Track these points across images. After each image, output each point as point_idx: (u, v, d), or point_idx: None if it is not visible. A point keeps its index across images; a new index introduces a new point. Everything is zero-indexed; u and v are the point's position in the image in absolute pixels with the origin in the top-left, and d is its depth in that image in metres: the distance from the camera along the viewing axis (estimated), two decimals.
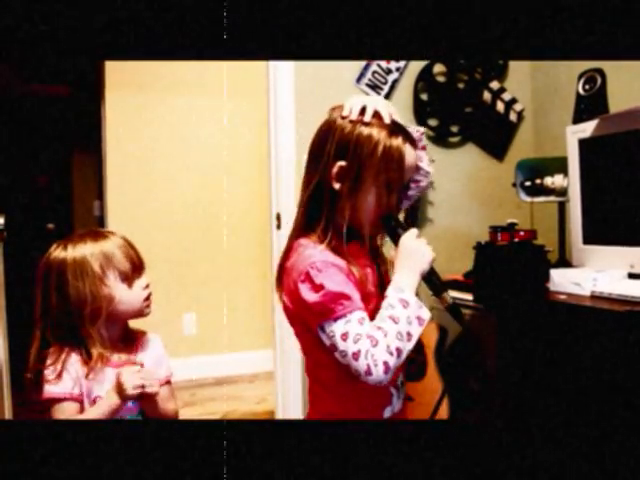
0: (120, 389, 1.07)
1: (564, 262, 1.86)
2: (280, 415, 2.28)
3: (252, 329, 3.42)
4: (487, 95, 2.39)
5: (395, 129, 1.00)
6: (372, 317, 0.95)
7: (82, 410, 1.10)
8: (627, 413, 1.23)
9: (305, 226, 1.03)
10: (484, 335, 1.82)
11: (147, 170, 3.30)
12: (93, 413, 1.08)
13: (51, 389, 1.09)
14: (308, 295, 0.93)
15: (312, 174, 1.02)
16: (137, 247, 1.20)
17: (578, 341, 1.37)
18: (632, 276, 1.48)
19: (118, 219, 3.22)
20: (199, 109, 3.37)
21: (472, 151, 2.42)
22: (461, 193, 2.39)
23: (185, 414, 1.24)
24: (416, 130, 1.08)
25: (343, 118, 1.00)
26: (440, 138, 2.35)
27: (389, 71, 2.28)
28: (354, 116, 0.99)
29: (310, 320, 0.96)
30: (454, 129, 2.38)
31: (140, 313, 1.19)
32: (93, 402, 1.11)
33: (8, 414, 1.89)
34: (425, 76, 2.32)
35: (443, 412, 1.83)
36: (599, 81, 1.71)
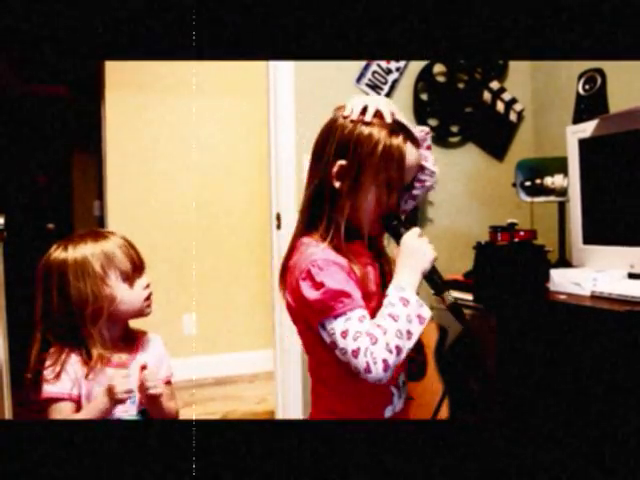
0: (111, 393, 1.07)
1: (564, 262, 1.86)
2: (280, 415, 2.28)
3: (252, 329, 3.42)
4: (487, 95, 2.39)
5: (396, 128, 1.00)
6: (373, 316, 0.95)
7: (78, 411, 1.10)
8: (627, 413, 1.23)
9: (308, 225, 1.04)
10: (484, 335, 1.82)
11: (147, 170, 3.30)
12: (84, 414, 1.08)
13: (49, 389, 1.09)
14: (309, 293, 0.94)
15: (314, 173, 1.03)
16: (137, 247, 1.20)
17: (578, 341, 1.37)
18: (632, 276, 1.48)
19: (118, 219, 3.22)
20: (199, 109, 3.37)
21: (472, 151, 2.42)
22: (461, 193, 2.39)
23: (185, 414, 1.24)
24: (420, 130, 1.09)
25: (344, 118, 1.01)
26: (440, 138, 2.35)
27: (389, 71, 2.28)
28: (355, 116, 1.00)
29: (311, 318, 0.96)
30: (454, 129, 2.38)
31: (141, 313, 1.19)
32: None
33: (8, 414, 1.89)
34: (425, 76, 2.32)
35: (443, 412, 1.83)
36: (599, 81, 1.71)
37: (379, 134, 0.98)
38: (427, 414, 1.66)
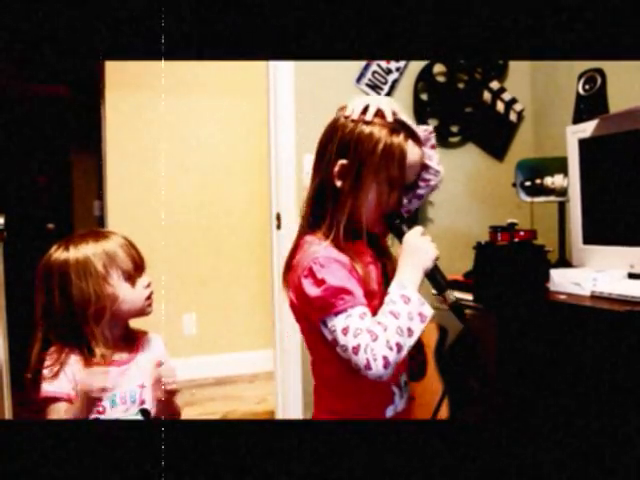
0: (89, 390, 1.06)
1: (564, 262, 1.86)
2: (280, 415, 2.28)
3: (252, 329, 3.42)
4: (487, 95, 2.39)
5: (397, 127, 1.00)
6: (375, 315, 0.95)
7: None
8: (627, 413, 1.23)
9: (311, 224, 1.05)
10: (484, 335, 1.82)
11: (147, 170, 3.30)
12: (69, 414, 1.07)
13: (47, 388, 1.09)
14: (310, 290, 0.95)
15: (317, 173, 1.05)
16: (137, 247, 1.21)
17: (578, 341, 1.37)
18: (632, 276, 1.48)
19: (118, 219, 3.22)
20: (199, 109, 3.37)
21: (472, 151, 2.42)
22: (461, 193, 2.39)
23: (185, 414, 1.24)
24: (424, 129, 1.09)
25: (346, 118, 1.02)
26: (440, 138, 2.35)
27: (389, 71, 2.28)
28: (356, 115, 1.01)
29: (312, 315, 0.97)
30: (454, 129, 2.38)
31: (142, 312, 1.19)
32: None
33: (8, 414, 1.89)
34: (425, 76, 2.32)
35: (443, 412, 1.83)
36: (599, 81, 1.71)
37: (379, 133, 0.99)
38: (427, 414, 1.66)
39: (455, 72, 2.36)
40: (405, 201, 1.06)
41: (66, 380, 1.10)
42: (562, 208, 1.89)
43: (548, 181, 1.89)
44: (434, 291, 1.03)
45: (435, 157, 1.11)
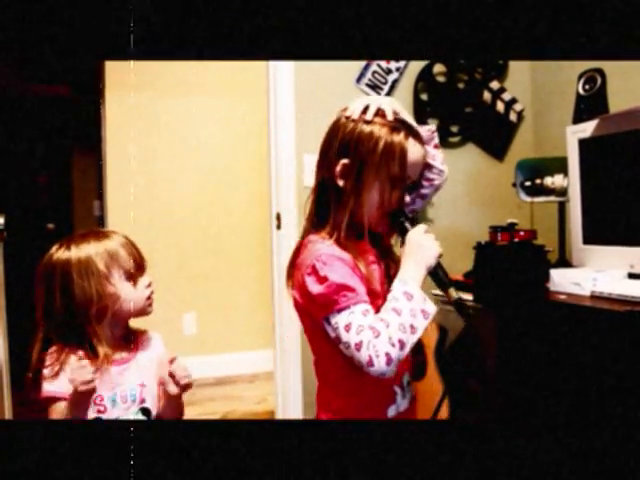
0: (74, 384, 1.02)
1: (564, 262, 1.86)
2: (280, 415, 2.28)
3: (252, 329, 3.42)
4: (487, 95, 2.39)
5: (397, 125, 1.01)
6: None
7: None
8: (627, 413, 1.23)
9: (315, 223, 1.06)
10: (484, 335, 1.82)
11: (147, 170, 3.30)
12: (67, 414, 1.06)
13: (47, 387, 1.09)
14: (313, 287, 0.96)
15: (320, 173, 1.06)
16: (138, 246, 1.21)
17: (578, 341, 1.37)
18: (632, 276, 1.48)
19: (118, 219, 3.21)
20: (199, 109, 3.37)
21: (472, 151, 2.42)
22: (461, 193, 2.39)
23: (185, 414, 1.24)
24: (427, 129, 1.10)
25: (347, 118, 1.03)
26: (440, 138, 2.34)
27: (389, 71, 2.28)
28: (356, 115, 1.02)
29: (316, 312, 0.98)
30: (454, 129, 2.38)
31: (143, 312, 1.19)
32: (94, 401, 1.10)
33: (8, 414, 1.89)
34: (425, 76, 2.32)
35: (443, 412, 1.83)
36: (599, 81, 1.71)
37: (379, 131, 0.99)
38: (427, 414, 1.67)
39: (455, 72, 2.36)
40: (408, 199, 1.06)
41: (66, 380, 1.09)
42: (562, 208, 1.89)
43: (548, 181, 1.89)
44: (434, 291, 1.03)
45: (439, 157, 1.11)
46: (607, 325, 1.30)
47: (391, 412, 1.05)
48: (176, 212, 3.34)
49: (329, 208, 1.03)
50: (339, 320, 0.93)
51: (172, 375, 1.12)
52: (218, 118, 3.40)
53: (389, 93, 2.28)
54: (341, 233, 1.00)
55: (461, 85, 2.38)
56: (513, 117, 2.44)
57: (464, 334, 1.96)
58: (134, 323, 1.23)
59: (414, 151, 1.02)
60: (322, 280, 0.95)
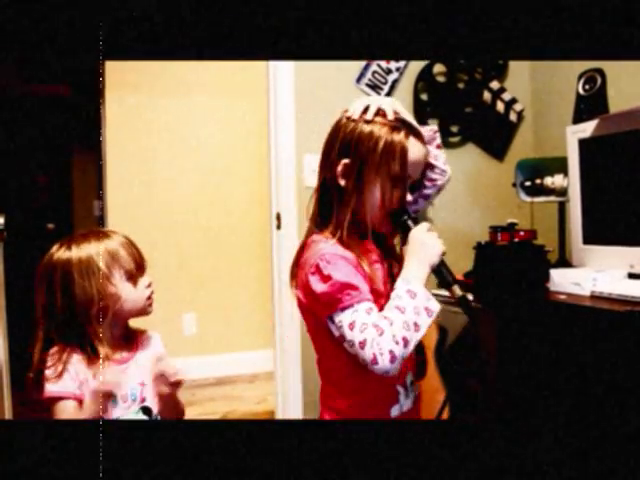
0: (107, 389, 1.07)
1: (564, 262, 1.86)
2: (280, 415, 2.28)
3: (252, 329, 3.42)
4: (487, 95, 2.39)
5: (398, 125, 1.01)
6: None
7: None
8: (627, 413, 1.23)
9: (318, 223, 1.06)
10: (484, 335, 1.82)
11: (147, 170, 3.30)
12: (86, 413, 1.07)
13: (51, 388, 1.09)
14: (317, 286, 0.96)
15: (322, 173, 1.07)
16: (138, 246, 1.21)
17: (578, 341, 1.37)
18: (632, 276, 1.48)
19: (118, 219, 3.21)
20: (199, 109, 3.37)
21: (472, 151, 2.42)
22: (461, 193, 2.39)
23: (185, 414, 1.24)
24: (429, 129, 1.11)
25: (347, 118, 1.04)
26: (440, 138, 2.35)
27: (389, 71, 2.28)
28: (356, 115, 1.02)
29: (319, 311, 0.98)
30: (454, 129, 2.38)
31: (143, 312, 1.19)
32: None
33: (8, 414, 1.89)
34: (425, 76, 2.32)
35: (443, 412, 1.82)
36: (599, 81, 1.71)
37: (380, 131, 1.00)
38: (427, 414, 1.66)
39: (455, 72, 2.36)
40: (410, 199, 1.06)
41: (70, 379, 1.09)
42: (562, 208, 1.89)
43: (548, 181, 1.89)
44: (435, 291, 1.03)
45: (441, 157, 1.12)
46: (607, 325, 1.30)
47: (394, 412, 1.05)
48: (176, 212, 3.34)
49: (332, 208, 1.04)
50: (343, 318, 0.93)
51: (162, 374, 1.12)
52: (218, 118, 3.40)
53: (389, 93, 2.28)
54: (344, 232, 1.01)
55: (461, 85, 2.38)
56: (513, 117, 2.44)
57: (464, 334, 1.96)
58: (134, 323, 1.24)
59: (415, 150, 1.02)
60: (326, 279, 0.95)
